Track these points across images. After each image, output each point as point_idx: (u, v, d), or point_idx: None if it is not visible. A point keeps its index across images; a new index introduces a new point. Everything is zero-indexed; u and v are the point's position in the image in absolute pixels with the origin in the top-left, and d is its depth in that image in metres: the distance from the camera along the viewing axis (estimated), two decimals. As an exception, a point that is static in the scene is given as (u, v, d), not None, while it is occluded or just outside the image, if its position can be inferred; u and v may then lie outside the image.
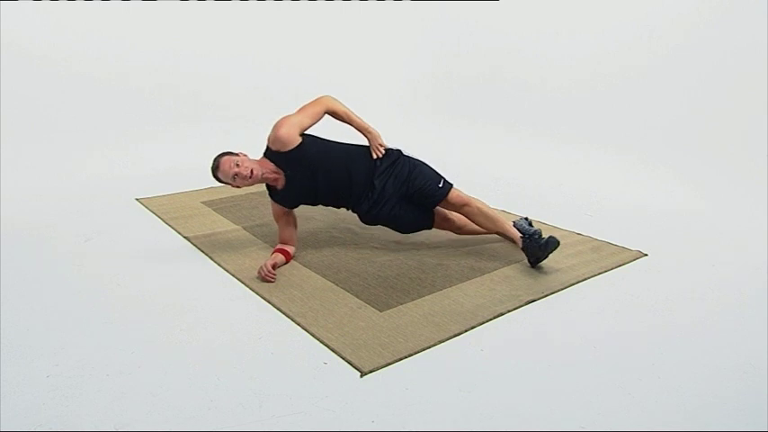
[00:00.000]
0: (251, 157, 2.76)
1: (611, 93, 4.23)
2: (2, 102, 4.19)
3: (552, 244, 2.61)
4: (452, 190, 2.80)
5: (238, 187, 2.76)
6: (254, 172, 2.66)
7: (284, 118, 2.72)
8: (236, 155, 2.72)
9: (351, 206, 2.88)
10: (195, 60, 4.99)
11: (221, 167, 2.67)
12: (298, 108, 2.77)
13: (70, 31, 4.41)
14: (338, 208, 2.96)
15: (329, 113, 2.78)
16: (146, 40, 4.73)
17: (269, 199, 2.90)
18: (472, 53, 5.23)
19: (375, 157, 2.82)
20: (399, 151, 2.89)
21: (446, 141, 5.28)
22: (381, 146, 2.84)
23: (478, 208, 2.79)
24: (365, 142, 2.85)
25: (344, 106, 2.81)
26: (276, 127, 2.70)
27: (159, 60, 4.83)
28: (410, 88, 5.84)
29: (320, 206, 2.96)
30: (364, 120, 2.82)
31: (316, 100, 2.79)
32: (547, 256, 2.66)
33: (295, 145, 2.70)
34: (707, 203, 3.54)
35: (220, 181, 2.74)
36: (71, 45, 4.43)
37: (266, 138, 2.74)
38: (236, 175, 2.64)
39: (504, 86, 4.97)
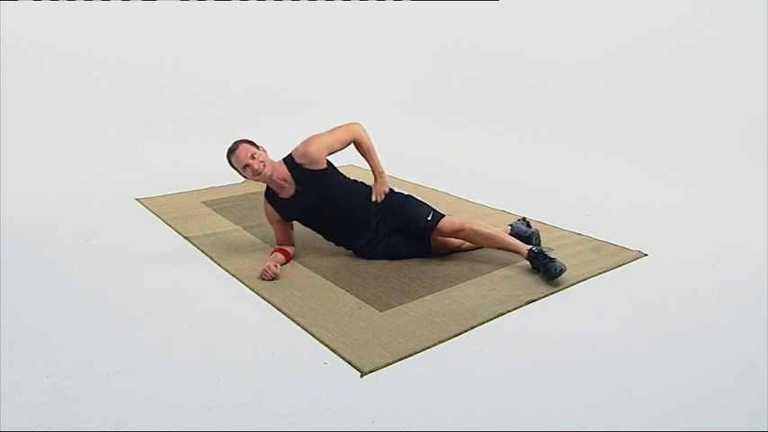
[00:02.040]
0: (269, 156, 2.75)
1: (611, 93, 4.22)
2: (2, 102, 4.19)
3: (559, 274, 2.53)
4: (444, 219, 2.78)
5: (245, 178, 2.75)
6: (266, 171, 2.66)
7: (316, 136, 2.75)
8: (257, 147, 2.72)
9: (345, 243, 2.90)
10: (195, 60, 4.99)
11: (237, 153, 2.67)
12: (329, 130, 2.79)
13: (70, 31, 4.41)
14: (327, 239, 2.95)
15: (354, 143, 2.82)
16: (146, 41, 4.73)
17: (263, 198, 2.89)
18: (472, 53, 5.23)
19: (374, 200, 2.85)
20: (391, 189, 2.91)
21: (446, 141, 5.28)
22: (384, 193, 2.87)
23: (473, 230, 2.76)
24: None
25: (370, 141, 2.86)
26: (307, 143, 2.73)
27: (159, 60, 4.83)
28: (410, 88, 5.84)
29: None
30: (381, 163, 2.89)
31: (347, 126, 2.81)
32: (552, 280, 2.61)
33: (321, 166, 2.74)
34: (707, 203, 3.53)
35: (231, 165, 2.73)
36: (71, 45, 4.43)
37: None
38: (248, 166, 2.64)
39: (504, 86, 4.97)
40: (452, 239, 2.90)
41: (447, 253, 2.93)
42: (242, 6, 5.10)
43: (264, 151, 2.74)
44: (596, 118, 4.33)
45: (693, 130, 3.79)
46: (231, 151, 2.69)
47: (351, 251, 2.92)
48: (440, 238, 2.86)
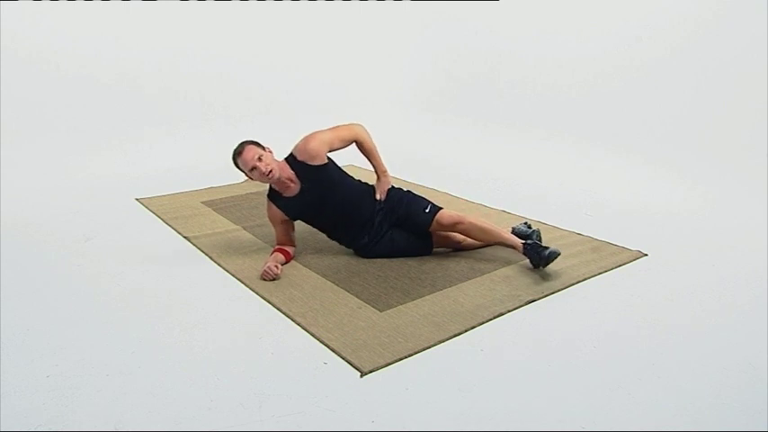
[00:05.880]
0: (275, 157, 2.75)
1: (612, 93, 4.22)
2: (2, 102, 4.19)
3: (553, 256, 2.59)
4: (441, 212, 2.80)
5: (251, 179, 2.74)
6: (274, 172, 2.65)
7: (316, 132, 2.77)
8: (263, 149, 2.71)
9: (348, 240, 2.90)
10: (197, 60, 4.98)
11: (244, 155, 2.65)
12: (330, 127, 2.82)
13: (70, 31, 4.41)
14: (331, 238, 2.95)
15: (356, 143, 2.84)
16: (147, 41, 4.73)
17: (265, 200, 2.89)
18: (472, 53, 5.23)
19: (378, 198, 2.87)
20: (390, 186, 2.93)
21: (446, 141, 5.28)
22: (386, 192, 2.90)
23: (471, 223, 2.78)
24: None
25: (373, 141, 2.87)
26: (307, 139, 2.74)
27: (160, 60, 4.82)
28: (410, 88, 5.84)
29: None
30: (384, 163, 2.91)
31: (349, 126, 2.84)
32: (547, 266, 2.66)
33: (322, 161, 2.75)
34: (707, 203, 3.53)
35: (237, 167, 2.72)
36: (71, 45, 4.43)
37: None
38: (255, 168, 2.63)
39: (504, 86, 4.97)
40: (452, 235, 2.91)
41: (448, 251, 2.93)
42: (242, 6, 5.10)
43: (270, 152, 2.73)
44: (596, 118, 4.33)
45: (693, 130, 3.79)
46: (237, 153, 2.67)
47: (352, 250, 2.92)
48: (440, 233, 2.87)
